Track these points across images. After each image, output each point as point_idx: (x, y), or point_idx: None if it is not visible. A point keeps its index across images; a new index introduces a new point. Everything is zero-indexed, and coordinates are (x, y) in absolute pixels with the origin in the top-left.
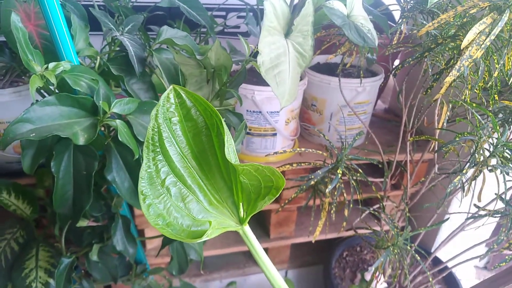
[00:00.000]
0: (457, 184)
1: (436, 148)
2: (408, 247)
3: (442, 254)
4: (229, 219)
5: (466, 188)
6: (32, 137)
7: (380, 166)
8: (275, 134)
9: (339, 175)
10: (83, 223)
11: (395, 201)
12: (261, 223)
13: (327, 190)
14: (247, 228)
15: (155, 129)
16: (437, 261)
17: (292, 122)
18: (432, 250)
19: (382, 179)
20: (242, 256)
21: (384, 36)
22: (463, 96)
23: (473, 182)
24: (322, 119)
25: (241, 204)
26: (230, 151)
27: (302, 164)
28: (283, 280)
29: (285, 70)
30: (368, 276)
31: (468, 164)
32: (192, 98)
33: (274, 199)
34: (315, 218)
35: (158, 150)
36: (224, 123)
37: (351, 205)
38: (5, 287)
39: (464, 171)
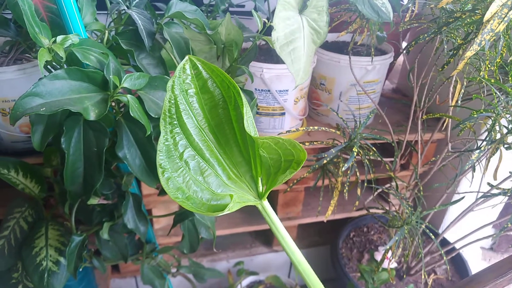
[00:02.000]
0: (475, 160)
1: (448, 127)
2: (422, 226)
3: (449, 235)
4: (247, 193)
5: (483, 165)
6: (42, 111)
7: (392, 145)
8: (283, 114)
9: (355, 154)
10: (94, 200)
11: (404, 181)
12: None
13: (342, 169)
14: (266, 203)
15: (172, 101)
16: (444, 242)
17: (301, 101)
18: (440, 231)
19: (392, 159)
20: (249, 237)
21: (394, 15)
22: (481, 72)
23: (482, 161)
24: (331, 98)
25: (259, 178)
26: (250, 124)
27: (315, 143)
28: (302, 255)
29: (300, 46)
30: (378, 256)
31: (486, 141)
32: (209, 70)
33: (295, 172)
34: (324, 198)
35: (175, 122)
36: (242, 95)
37: (365, 184)
38: (15, 266)
39: (482, 148)
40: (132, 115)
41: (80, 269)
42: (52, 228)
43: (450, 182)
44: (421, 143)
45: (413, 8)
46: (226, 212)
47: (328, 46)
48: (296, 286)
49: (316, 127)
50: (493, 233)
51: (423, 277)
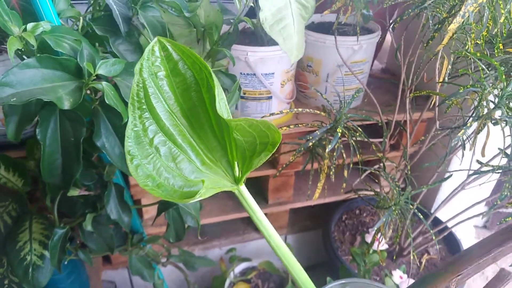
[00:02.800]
0: (461, 137)
1: (437, 105)
2: (410, 206)
3: (442, 215)
4: (223, 179)
5: (471, 141)
6: (13, 101)
7: (380, 125)
8: (270, 97)
9: (339, 134)
10: (74, 192)
11: (394, 161)
12: (259, 189)
13: (326, 151)
14: (243, 188)
15: (140, 85)
16: (437, 222)
17: (288, 84)
18: (432, 211)
19: (381, 140)
20: (241, 223)
21: None
22: (466, 47)
23: (476, 136)
24: (319, 80)
25: (236, 163)
26: (222, 106)
27: (300, 125)
28: (281, 239)
29: (290, 24)
30: (369, 238)
31: (472, 117)
32: (179, 51)
33: (270, 155)
34: (313, 182)
35: (144, 107)
36: (214, 77)
37: (351, 166)
38: (0, 261)
39: (468, 125)
40: (107, 102)
41: (65, 262)
42: (36, 222)
43: (440, 161)
44: (410, 123)
45: None
46: (197, 198)
47: (314, 26)
48: None
49: (300, 109)
50: (486, 211)
51: (411, 258)
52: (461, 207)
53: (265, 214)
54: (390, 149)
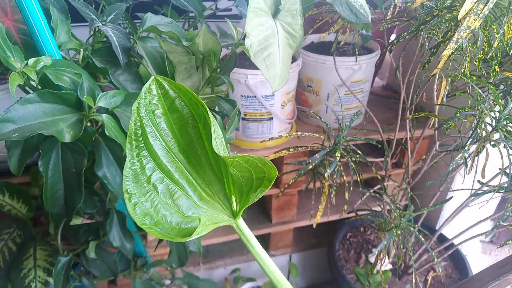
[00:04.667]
0: (459, 161)
1: (437, 125)
2: (412, 228)
3: (447, 231)
4: (221, 213)
5: (469, 164)
6: (15, 137)
7: (379, 146)
8: (271, 118)
9: (338, 158)
10: (77, 221)
11: (396, 180)
12: (262, 209)
13: (326, 174)
14: (240, 222)
15: (138, 124)
16: (442, 238)
17: (288, 105)
18: (437, 227)
19: (382, 159)
20: None
21: (378, 11)
22: (462, 70)
23: (476, 158)
24: (319, 100)
25: (233, 197)
26: (218, 143)
27: (299, 148)
28: (279, 271)
29: (275, 52)
30: (372, 258)
31: (470, 140)
32: (176, 89)
33: (266, 190)
34: (316, 201)
35: (142, 145)
36: (210, 114)
37: (351, 188)
38: None
39: (466, 148)
40: (107, 134)
41: None
42: (40, 249)
43: (443, 179)
44: (411, 141)
45: (394, 5)
46: (194, 237)
47: (313, 47)
48: None
49: (299, 133)
50: (492, 227)
51: (413, 279)
52: (466, 222)
53: (269, 233)
54: (392, 167)
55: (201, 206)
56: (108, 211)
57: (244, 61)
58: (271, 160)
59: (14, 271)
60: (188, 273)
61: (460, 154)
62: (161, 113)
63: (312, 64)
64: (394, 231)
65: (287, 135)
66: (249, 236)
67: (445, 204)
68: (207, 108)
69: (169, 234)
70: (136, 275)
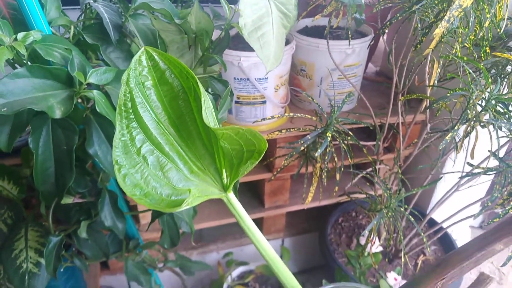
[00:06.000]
0: (449, 141)
1: (427, 108)
2: (402, 209)
3: (438, 216)
4: (212, 186)
5: (458, 145)
6: (3, 111)
7: (371, 128)
8: (264, 102)
9: (329, 139)
10: (68, 200)
11: (388, 164)
12: (255, 193)
13: (316, 154)
14: (231, 195)
15: (127, 95)
16: (432, 223)
17: (282, 88)
18: (427, 211)
19: (374, 142)
20: (238, 227)
21: None
22: (454, 50)
23: (466, 140)
24: (312, 84)
25: (223, 170)
26: (208, 114)
27: (292, 130)
28: (269, 244)
29: (269, 31)
30: (363, 241)
31: (460, 120)
32: (166, 60)
33: (256, 162)
34: (308, 185)
35: (131, 117)
36: (201, 86)
37: (342, 169)
38: None
39: (456, 128)
40: (98, 110)
41: (61, 269)
42: (32, 229)
43: (434, 163)
44: (403, 125)
45: None
46: (184, 207)
47: (307, 31)
48: None
49: (292, 114)
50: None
51: (403, 260)
52: (456, 207)
53: (262, 217)
54: (384, 152)
55: (192, 179)
56: (100, 191)
57: (238, 43)
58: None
59: (5, 252)
60: (181, 255)
61: (450, 134)
62: (151, 85)
63: (305, 47)
64: (384, 212)
65: (279, 116)
66: (240, 210)
67: (436, 189)
68: (198, 80)
69: (159, 205)
70: (129, 257)
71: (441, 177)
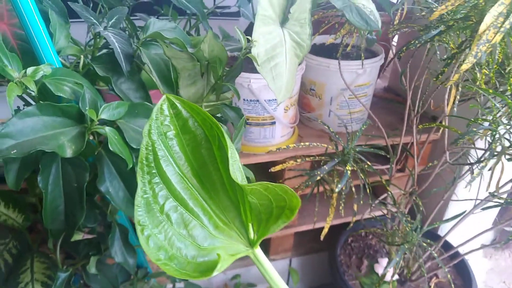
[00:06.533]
0: (476, 177)
1: (445, 136)
2: (425, 244)
3: (448, 236)
4: (237, 241)
5: (488, 178)
6: (13, 154)
7: (382, 153)
8: (274, 123)
9: (349, 173)
10: (78, 236)
11: (398, 183)
12: None
13: (336, 189)
14: (258, 251)
15: (149, 148)
16: (445, 245)
17: (291, 109)
18: (440, 232)
19: (388, 166)
20: None
21: (384, 14)
22: (477, 81)
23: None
24: (322, 103)
25: (250, 224)
26: (236, 169)
27: (307, 159)
28: None
29: (282, 62)
30: (379, 269)
31: (487, 154)
32: (189, 108)
33: (288, 222)
34: (320, 207)
35: (154, 171)
36: (226, 135)
37: (361, 201)
38: None
39: (484, 164)
40: (111, 148)
41: None
42: (38, 261)
43: (448, 186)
44: (417, 146)
45: (402, 10)
46: (215, 274)
47: (316, 49)
48: None
49: (307, 143)
50: (493, 233)
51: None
52: (468, 228)
53: (269, 238)
54: (395, 172)
55: (217, 236)
56: (109, 224)
57: (247, 64)
58: (276, 170)
59: (11, 285)
60: (189, 283)
61: (478, 171)
62: (173, 135)
63: (315, 67)
64: (406, 246)
65: (293, 145)
66: (267, 267)
67: (447, 209)
68: (223, 130)
69: (185, 271)
70: (137, 286)
71: (466, 211)
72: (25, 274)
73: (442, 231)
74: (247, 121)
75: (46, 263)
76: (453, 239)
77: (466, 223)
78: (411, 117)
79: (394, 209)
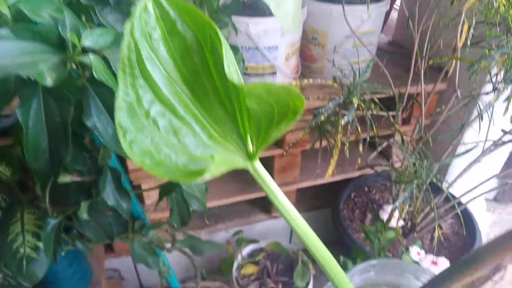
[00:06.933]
0: (493, 103)
1: (456, 72)
2: (435, 179)
3: (452, 188)
4: (235, 154)
5: (490, 112)
6: None
7: (392, 97)
8: (274, 73)
9: (355, 106)
10: (65, 178)
11: (407, 135)
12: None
13: (342, 123)
14: (258, 165)
15: (132, 47)
16: (448, 197)
17: (293, 58)
18: (443, 184)
19: (393, 113)
20: (246, 205)
21: None
22: (493, 9)
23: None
24: (325, 53)
25: (248, 137)
26: (231, 68)
27: (310, 98)
28: (302, 219)
29: None
30: (384, 215)
31: (507, 80)
32: (177, 8)
33: (291, 124)
34: (322, 160)
35: (137, 72)
36: (221, 35)
37: (368, 140)
38: None
39: (502, 89)
40: (96, 77)
41: (62, 253)
42: (28, 212)
43: (455, 133)
44: (423, 96)
45: None
46: (207, 176)
47: None
48: (298, 251)
49: (309, 81)
50: (497, 185)
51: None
52: (472, 180)
53: None
54: (401, 124)
55: (211, 146)
56: (101, 169)
57: (244, 9)
58: None
59: (1, 237)
60: (190, 236)
61: (494, 96)
62: (159, 37)
63: (317, 13)
64: (415, 182)
65: (296, 84)
66: (268, 180)
67: (453, 161)
68: (217, 29)
69: (175, 175)
70: (134, 239)
71: (476, 146)
72: (15, 226)
73: (446, 183)
74: (246, 71)
75: (36, 214)
76: (457, 192)
77: (470, 175)
78: (418, 63)
79: (400, 155)
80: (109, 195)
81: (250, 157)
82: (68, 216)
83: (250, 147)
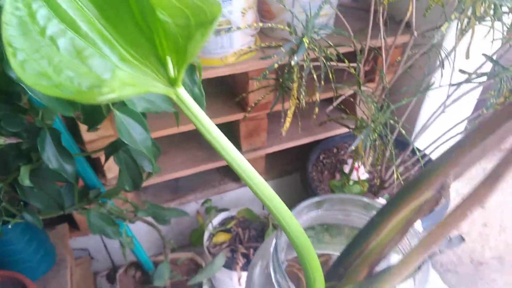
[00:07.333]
0: (444, 32)
1: (413, 11)
2: (393, 122)
3: (421, 144)
4: (154, 80)
5: (452, 57)
6: None
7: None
8: (230, 29)
9: (305, 44)
10: None
11: (370, 87)
12: (230, 136)
13: (292, 63)
14: (181, 90)
15: None
16: (414, 150)
17: (250, 12)
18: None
19: (355, 64)
20: (215, 174)
21: None
22: None
23: (452, 53)
24: (283, 7)
25: (168, 59)
26: None
27: (264, 44)
28: (241, 155)
29: None
30: (347, 169)
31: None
32: None
33: (208, 33)
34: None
35: None
36: None
37: (319, 93)
38: None
39: (452, 17)
40: None
41: (9, 226)
42: None
43: (419, 83)
44: (385, 49)
45: None
46: (106, 93)
47: None
48: (269, 215)
49: (264, 25)
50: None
51: (395, 176)
52: (439, 132)
53: None
54: (365, 80)
55: (124, 69)
56: (39, 131)
57: None
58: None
59: None
60: (152, 204)
61: (446, 24)
62: None
63: None
64: (372, 126)
65: (249, 48)
66: (195, 108)
67: (420, 114)
68: None
69: (74, 95)
70: (91, 209)
71: (434, 82)
72: None
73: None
74: None
75: None
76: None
77: (436, 129)
78: (378, 13)
79: (366, 110)
80: (50, 158)
81: (172, 82)
82: (11, 185)
83: (171, 71)
